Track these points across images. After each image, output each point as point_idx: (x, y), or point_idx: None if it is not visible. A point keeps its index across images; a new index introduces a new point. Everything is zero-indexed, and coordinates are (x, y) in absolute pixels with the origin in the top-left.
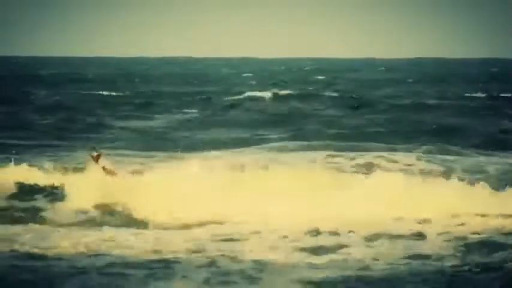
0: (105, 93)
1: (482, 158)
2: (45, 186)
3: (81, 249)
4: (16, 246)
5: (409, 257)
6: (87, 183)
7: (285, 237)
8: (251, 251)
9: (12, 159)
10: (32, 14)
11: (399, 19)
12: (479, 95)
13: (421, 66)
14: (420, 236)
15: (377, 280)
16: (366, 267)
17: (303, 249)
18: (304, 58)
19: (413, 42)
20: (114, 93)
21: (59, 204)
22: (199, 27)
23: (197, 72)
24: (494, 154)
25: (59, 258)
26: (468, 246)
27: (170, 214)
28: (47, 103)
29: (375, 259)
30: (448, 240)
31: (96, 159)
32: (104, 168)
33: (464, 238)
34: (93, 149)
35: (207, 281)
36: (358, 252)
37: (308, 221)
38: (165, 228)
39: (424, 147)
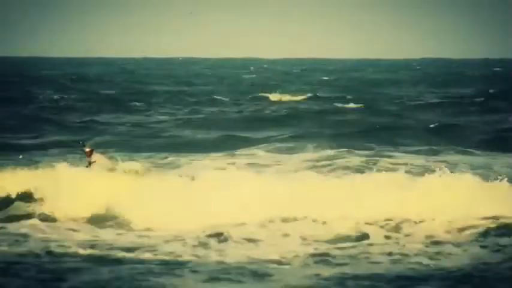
0: (106, 92)
1: (487, 157)
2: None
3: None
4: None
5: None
6: (87, 184)
7: (304, 239)
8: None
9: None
10: (32, 14)
11: (404, 19)
12: (482, 94)
13: (425, 67)
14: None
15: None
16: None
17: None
18: (306, 58)
19: (417, 43)
20: (113, 92)
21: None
22: (200, 28)
23: (199, 72)
24: (498, 153)
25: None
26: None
27: (169, 218)
28: (50, 103)
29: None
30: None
31: (89, 154)
32: (94, 162)
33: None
34: (84, 145)
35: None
36: (379, 246)
37: (316, 219)
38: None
39: (429, 147)
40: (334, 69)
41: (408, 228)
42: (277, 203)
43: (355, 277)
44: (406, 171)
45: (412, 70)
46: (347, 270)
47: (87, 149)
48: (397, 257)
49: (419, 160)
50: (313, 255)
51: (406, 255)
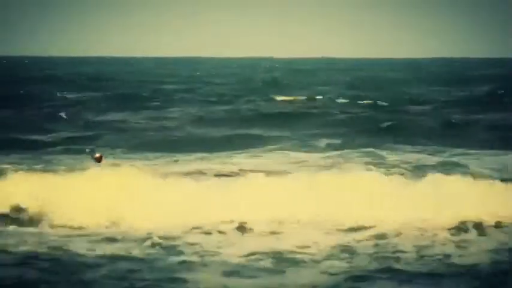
0: (118, 91)
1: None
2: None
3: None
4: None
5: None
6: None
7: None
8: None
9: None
10: (32, 14)
11: (413, 19)
12: (495, 92)
13: (440, 66)
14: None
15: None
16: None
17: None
18: (316, 58)
19: (432, 42)
20: (124, 91)
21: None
22: (211, 27)
23: (208, 72)
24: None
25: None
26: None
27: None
28: (61, 101)
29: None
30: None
31: (99, 160)
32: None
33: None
34: (92, 151)
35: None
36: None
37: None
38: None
39: (446, 145)
40: (345, 67)
41: (429, 222)
42: (296, 201)
43: (380, 271)
44: (421, 168)
45: (424, 69)
46: (371, 263)
47: (97, 155)
48: (422, 247)
49: (435, 158)
50: (336, 247)
51: (432, 246)
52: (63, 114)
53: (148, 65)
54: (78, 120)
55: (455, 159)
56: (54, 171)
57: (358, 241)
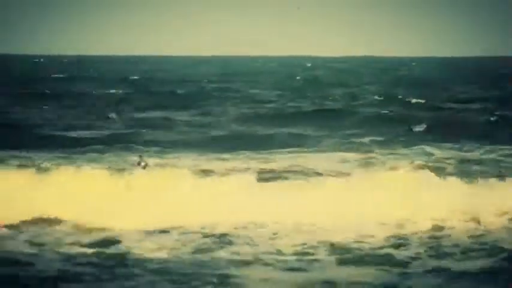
0: (157, 89)
1: None
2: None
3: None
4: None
5: None
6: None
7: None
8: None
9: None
10: (32, 14)
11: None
12: None
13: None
14: None
15: None
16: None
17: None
18: (352, 56)
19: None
20: (164, 90)
21: None
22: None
23: (244, 71)
24: None
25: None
26: None
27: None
28: (107, 100)
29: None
30: None
31: (144, 167)
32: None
33: None
34: (140, 157)
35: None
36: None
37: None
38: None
39: (476, 143)
40: (385, 66)
41: (480, 215)
42: (347, 197)
43: (437, 260)
44: (464, 163)
45: (459, 68)
46: (427, 252)
47: (143, 163)
48: (476, 237)
49: (478, 154)
50: (391, 239)
51: (486, 235)
52: (113, 115)
53: (187, 63)
54: (122, 118)
55: (496, 155)
56: (99, 169)
57: (414, 233)
